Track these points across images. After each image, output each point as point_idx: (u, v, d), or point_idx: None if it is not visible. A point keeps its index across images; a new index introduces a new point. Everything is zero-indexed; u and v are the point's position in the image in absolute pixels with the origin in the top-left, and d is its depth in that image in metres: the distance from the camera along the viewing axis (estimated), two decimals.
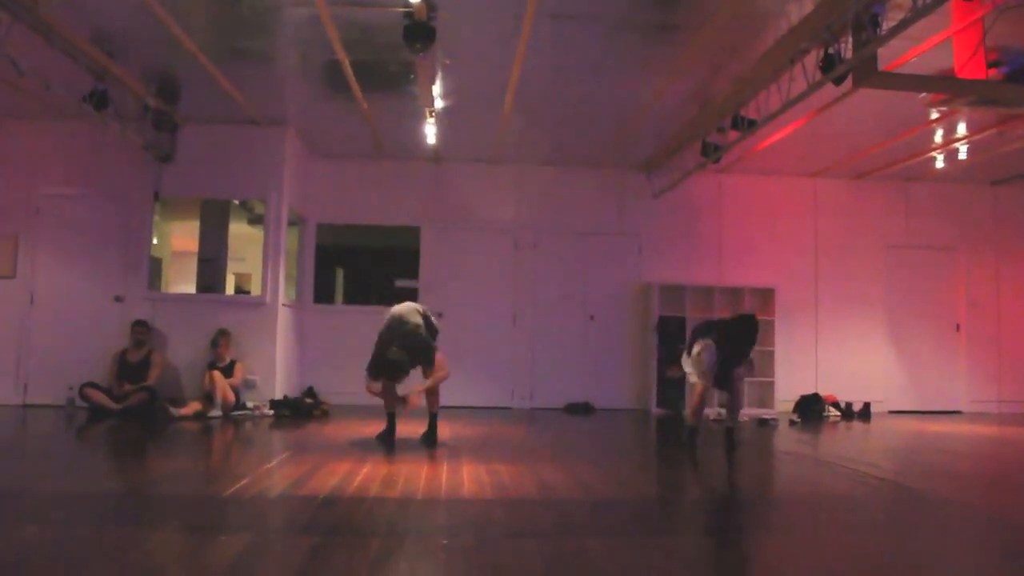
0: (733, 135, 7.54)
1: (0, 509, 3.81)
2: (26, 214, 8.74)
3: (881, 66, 5.67)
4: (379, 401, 6.40)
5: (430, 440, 6.30)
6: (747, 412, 9.48)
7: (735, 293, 10.10)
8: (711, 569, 3.12)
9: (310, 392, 9.27)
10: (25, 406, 8.46)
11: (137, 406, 7.93)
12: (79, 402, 8.03)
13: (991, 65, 5.97)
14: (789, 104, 6.34)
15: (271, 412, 8.35)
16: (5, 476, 4.80)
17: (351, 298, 12.84)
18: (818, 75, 5.74)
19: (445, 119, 8.21)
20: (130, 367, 8.27)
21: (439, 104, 7.66)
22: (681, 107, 7.86)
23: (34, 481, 4.60)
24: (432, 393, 6.31)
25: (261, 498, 4.21)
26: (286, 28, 6.35)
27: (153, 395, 8.06)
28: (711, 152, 8.16)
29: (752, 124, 7.17)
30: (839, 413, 9.75)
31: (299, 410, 8.44)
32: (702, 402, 6.54)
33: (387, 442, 6.25)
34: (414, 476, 4.81)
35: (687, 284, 10.12)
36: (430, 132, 8.37)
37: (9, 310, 8.65)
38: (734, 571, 3.10)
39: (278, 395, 8.66)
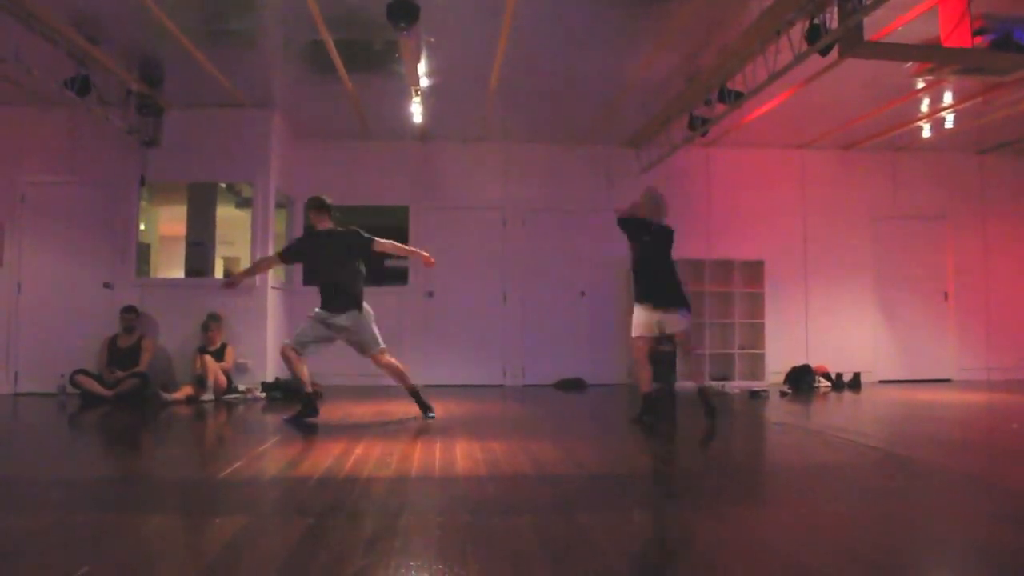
0: (720, 108, 7.54)
1: None
2: (11, 202, 8.67)
3: (867, 36, 5.66)
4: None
5: (425, 409, 6.59)
6: (738, 384, 9.57)
7: (724, 266, 10.13)
8: (705, 539, 3.15)
9: None
10: (16, 395, 8.45)
11: (129, 392, 7.94)
12: (70, 389, 8.02)
13: (976, 33, 5.96)
14: (776, 76, 6.33)
15: (263, 395, 8.37)
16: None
17: None
18: (804, 46, 5.73)
19: (431, 98, 8.16)
20: (121, 353, 8.25)
21: (424, 83, 7.61)
22: (668, 81, 7.83)
23: (28, 469, 4.60)
24: (395, 372, 6.61)
25: (255, 480, 4.22)
26: (269, 8, 6.29)
27: (145, 381, 8.06)
28: (698, 126, 8.15)
29: (739, 97, 7.16)
30: (829, 384, 9.81)
31: (291, 392, 8.42)
32: (643, 367, 6.52)
33: (305, 422, 6.33)
34: (408, 455, 4.83)
35: (676, 258, 10.05)
36: (416, 111, 8.31)
37: None
38: (727, 541, 3.13)
39: (270, 378, 8.67)
